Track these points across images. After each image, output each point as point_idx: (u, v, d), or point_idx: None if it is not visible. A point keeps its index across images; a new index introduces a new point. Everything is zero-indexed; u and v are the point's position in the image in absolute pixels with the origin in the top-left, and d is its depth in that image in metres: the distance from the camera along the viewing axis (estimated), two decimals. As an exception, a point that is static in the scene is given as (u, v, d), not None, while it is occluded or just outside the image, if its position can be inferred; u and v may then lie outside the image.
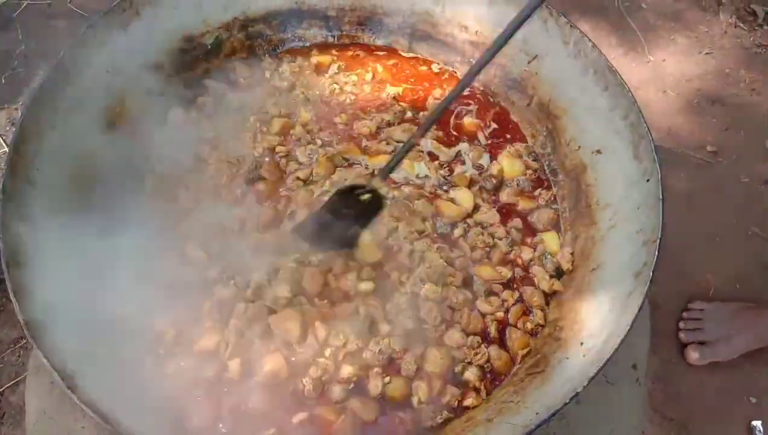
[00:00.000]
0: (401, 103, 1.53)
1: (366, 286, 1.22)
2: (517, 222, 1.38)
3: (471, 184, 1.41)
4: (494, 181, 1.42)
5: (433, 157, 1.45)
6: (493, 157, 1.47)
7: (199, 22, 1.49)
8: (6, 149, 2.06)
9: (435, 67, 1.63)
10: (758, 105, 2.40)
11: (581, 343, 1.13)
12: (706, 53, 2.54)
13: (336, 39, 1.64)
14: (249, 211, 1.32)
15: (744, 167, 2.25)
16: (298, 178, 1.37)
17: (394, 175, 1.38)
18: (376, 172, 1.35)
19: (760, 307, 1.79)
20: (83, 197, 1.27)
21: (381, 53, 1.63)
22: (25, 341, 1.71)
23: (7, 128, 2.10)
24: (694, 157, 2.26)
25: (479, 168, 1.44)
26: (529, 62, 1.49)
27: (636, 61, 2.51)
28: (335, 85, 1.55)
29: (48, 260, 1.14)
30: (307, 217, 1.26)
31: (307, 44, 1.63)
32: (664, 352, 1.79)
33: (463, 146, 1.47)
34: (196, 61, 1.52)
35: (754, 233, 2.09)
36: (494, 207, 1.39)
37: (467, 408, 1.16)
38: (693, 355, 1.74)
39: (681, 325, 1.80)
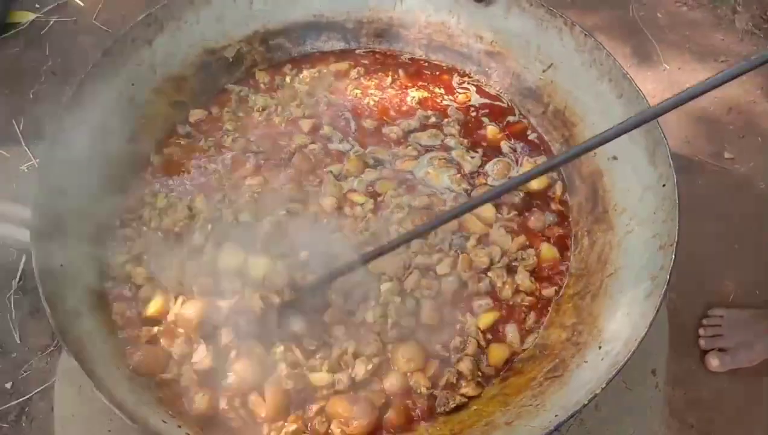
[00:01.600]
0: (425, 110, 1.55)
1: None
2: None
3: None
4: (521, 197, 1.40)
5: (458, 167, 1.45)
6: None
7: (220, 35, 1.53)
8: (33, 162, 2.12)
9: (455, 75, 1.64)
10: (775, 111, 2.40)
11: (599, 347, 1.14)
12: (722, 61, 2.54)
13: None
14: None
15: (761, 173, 2.25)
16: (330, 172, 1.41)
17: (417, 181, 1.42)
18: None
19: (780, 313, 1.79)
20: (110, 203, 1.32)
21: (402, 59, 1.66)
22: (52, 348, 1.75)
23: (36, 141, 2.17)
24: (711, 164, 2.26)
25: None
26: (544, 71, 1.51)
27: (651, 69, 2.52)
28: (357, 91, 1.58)
29: (77, 265, 1.18)
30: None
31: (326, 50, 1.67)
32: (684, 359, 1.79)
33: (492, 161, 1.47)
34: (218, 73, 1.56)
35: (773, 239, 2.09)
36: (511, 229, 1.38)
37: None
38: (713, 362, 1.73)
39: (701, 332, 1.80)
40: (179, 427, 1.06)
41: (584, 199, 1.42)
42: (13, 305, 1.82)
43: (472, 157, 1.47)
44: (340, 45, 1.65)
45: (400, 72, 1.62)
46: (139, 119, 1.41)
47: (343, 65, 1.63)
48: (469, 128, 1.53)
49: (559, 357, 1.21)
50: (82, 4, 2.54)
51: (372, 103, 1.56)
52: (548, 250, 1.36)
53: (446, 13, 1.60)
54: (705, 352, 1.77)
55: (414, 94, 1.58)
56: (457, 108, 1.56)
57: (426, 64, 1.65)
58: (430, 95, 1.59)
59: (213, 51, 1.53)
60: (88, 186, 1.28)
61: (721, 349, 1.74)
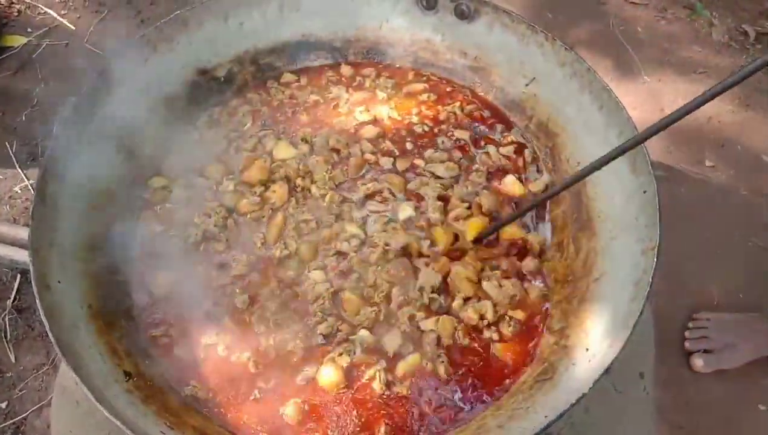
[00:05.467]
0: (461, 152, 1.53)
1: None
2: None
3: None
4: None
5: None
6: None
7: (212, 56, 1.57)
8: (26, 182, 2.14)
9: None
10: (753, 120, 2.46)
11: (587, 349, 1.18)
12: (701, 72, 2.61)
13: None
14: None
15: (742, 181, 2.31)
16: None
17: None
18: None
19: (764, 315, 1.83)
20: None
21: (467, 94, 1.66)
22: (47, 367, 1.76)
23: (28, 163, 2.19)
24: (693, 173, 2.32)
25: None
26: (527, 84, 1.56)
27: (633, 82, 2.58)
28: (416, 118, 1.59)
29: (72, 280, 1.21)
30: None
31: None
32: (672, 363, 1.83)
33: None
34: (209, 92, 1.60)
35: (755, 244, 2.14)
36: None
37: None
38: (698, 362, 1.77)
39: (686, 334, 1.84)
40: (178, 437, 1.08)
41: (569, 208, 1.46)
42: (8, 325, 1.83)
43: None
44: (328, 62, 1.70)
45: (458, 111, 1.60)
46: (133, 138, 1.44)
47: (417, 86, 1.66)
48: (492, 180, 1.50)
49: (548, 360, 1.24)
50: (73, 27, 2.58)
51: (422, 131, 1.56)
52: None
53: (431, 31, 1.64)
54: (690, 353, 1.80)
55: (459, 136, 1.55)
56: (491, 161, 1.52)
57: (487, 106, 1.63)
58: (470, 139, 1.56)
59: (205, 71, 1.57)
60: (82, 206, 1.31)
61: (706, 351, 1.78)
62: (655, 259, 1.15)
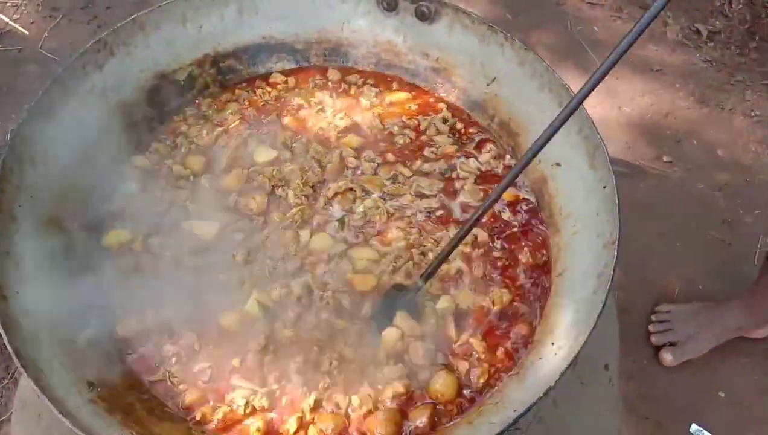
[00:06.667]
0: (446, 160, 1.52)
1: None
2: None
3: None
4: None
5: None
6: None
7: (171, 59, 1.55)
8: (-19, 193, 2.07)
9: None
10: (708, 116, 2.54)
11: (552, 343, 1.19)
12: (657, 70, 2.68)
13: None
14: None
15: (699, 175, 2.37)
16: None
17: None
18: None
19: (722, 303, 1.88)
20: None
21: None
22: (7, 381, 1.71)
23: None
24: (651, 168, 2.38)
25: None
26: (488, 84, 1.58)
27: (591, 80, 2.63)
28: (396, 127, 1.58)
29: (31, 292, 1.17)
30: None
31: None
32: (636, 354, 1.87)
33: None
34: (170, 96, 1.57)
35: (713, 237, 2.20)
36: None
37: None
38: (667, 357, 1.80)
39: (651, 328, 1.87)
40: (145, 447, 1.06)
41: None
42: (-36, 341, 1.77)
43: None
44: (290, 66, 1.69)
45: (437, 124, 1.58)
46: (92, 145, 1.41)
47: (400, 96, 1.65)
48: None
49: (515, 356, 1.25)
50: (26, 32, 2.51)
51: (402, 142, 1.55)
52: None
53: (392, 32, 1.65)
54: (657, 348, 1.84)
55: (438, 140, 1.55)
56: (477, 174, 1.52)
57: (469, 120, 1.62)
58: (458, 152, 1.55)
59: (164, 75, 1.54)
60: (41, 215, 1.28)
61: (671, 344, 1.82)
62: (616, 253, 1.17)
